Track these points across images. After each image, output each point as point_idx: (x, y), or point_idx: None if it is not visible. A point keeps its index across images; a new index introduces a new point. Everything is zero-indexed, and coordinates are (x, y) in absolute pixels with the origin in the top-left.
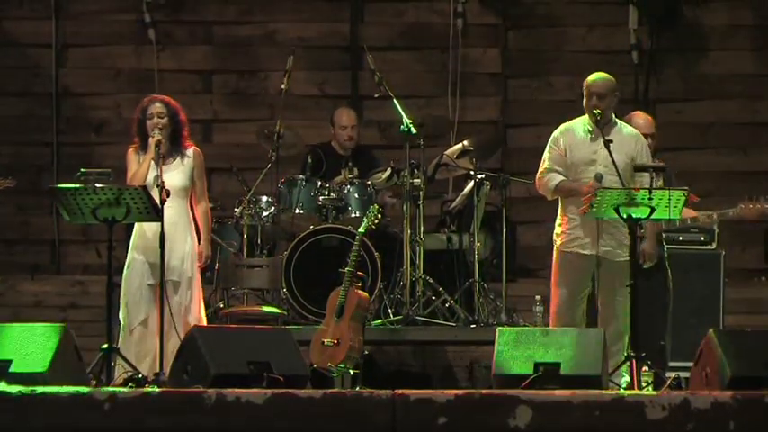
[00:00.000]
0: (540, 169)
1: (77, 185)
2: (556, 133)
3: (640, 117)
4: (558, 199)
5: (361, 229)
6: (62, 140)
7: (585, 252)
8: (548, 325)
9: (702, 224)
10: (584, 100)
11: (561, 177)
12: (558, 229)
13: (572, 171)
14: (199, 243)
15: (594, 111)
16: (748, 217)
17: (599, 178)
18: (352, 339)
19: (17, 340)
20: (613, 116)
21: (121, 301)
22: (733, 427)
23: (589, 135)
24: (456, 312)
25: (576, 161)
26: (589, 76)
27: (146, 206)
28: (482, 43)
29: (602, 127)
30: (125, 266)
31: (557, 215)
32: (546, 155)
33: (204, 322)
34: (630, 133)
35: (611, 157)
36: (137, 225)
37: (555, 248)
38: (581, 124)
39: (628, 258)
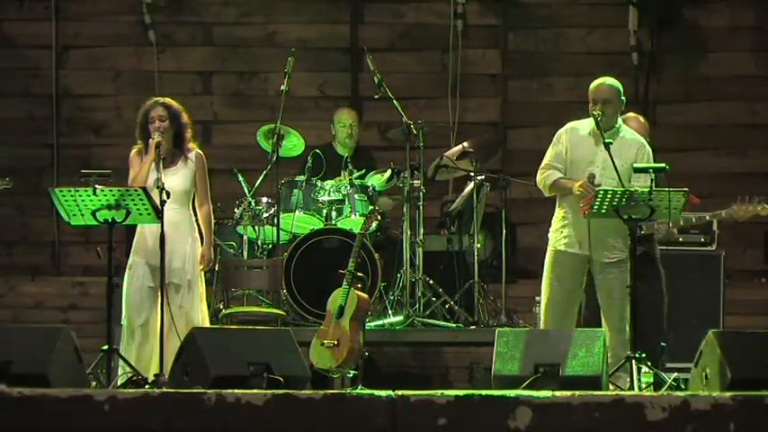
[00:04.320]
0: (541, 165)
1: (78, 187)
2: (561, 130)
3: (632, 121)
4: (555, 197)
5: (360, 231)
6: (62, 142)
7: (573, 251)
8: None
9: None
10: (590, 104)
11: (559, 174)
12: (552, 227)
13: (571, 170)
14: (202, 246)
15: (594, 112)
16: (741, 218)
17: (591, 178)
18: (352, 340)
19: (17, 341)
20: (619, 121)
21: (123, 303)
22: (733, 429)
23: (592, 136)
24: (456, 313)
25: (576, 160)
26: (595, 80)
27: (146, 208)
28: (482, 44)
29: (604, 130)
30: (126, 268)
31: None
32: (549, 151)
33: (207, 324)
34: (633, 139)
35: (612, 160)
36: (138, 227)
37: (547, 246)
38: (586, 125)
39: (616, 259)
